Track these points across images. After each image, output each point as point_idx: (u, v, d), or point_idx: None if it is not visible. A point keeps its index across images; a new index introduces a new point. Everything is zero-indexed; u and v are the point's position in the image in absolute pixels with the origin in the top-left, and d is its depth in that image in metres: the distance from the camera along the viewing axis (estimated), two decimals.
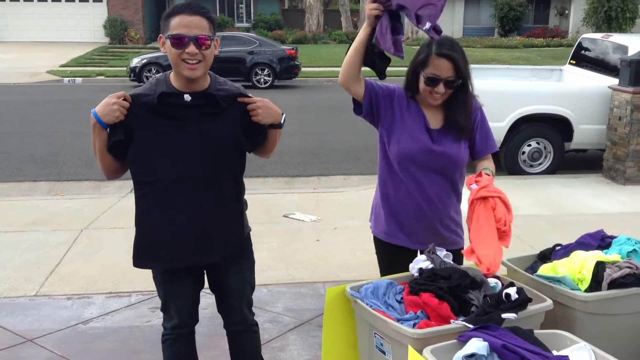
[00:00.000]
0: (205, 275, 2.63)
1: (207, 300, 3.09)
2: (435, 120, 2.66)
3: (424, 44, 2.63)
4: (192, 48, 2.23)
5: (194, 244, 2.40)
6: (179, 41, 2.23)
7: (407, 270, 2.52)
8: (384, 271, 2.81)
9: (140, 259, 2.46)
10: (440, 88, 2.53)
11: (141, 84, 18.02)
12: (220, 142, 2.36)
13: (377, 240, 2.85)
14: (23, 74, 19.07)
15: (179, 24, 2.23)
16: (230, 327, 2.71)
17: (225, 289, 2.59)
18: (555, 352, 1.87)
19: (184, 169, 2.33)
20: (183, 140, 2.32)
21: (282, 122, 2.46)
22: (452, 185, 2.73)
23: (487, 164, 2.73)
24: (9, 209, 6.03)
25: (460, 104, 2.62)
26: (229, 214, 2.46)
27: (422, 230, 2.70)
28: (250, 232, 2.65)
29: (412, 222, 2.69)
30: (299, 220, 5.67)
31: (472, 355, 1.74)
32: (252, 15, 34.09)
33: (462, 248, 2.64)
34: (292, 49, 17.90)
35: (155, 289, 2.59)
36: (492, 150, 2.77)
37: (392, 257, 2.79)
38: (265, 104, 2.40)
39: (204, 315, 3.27)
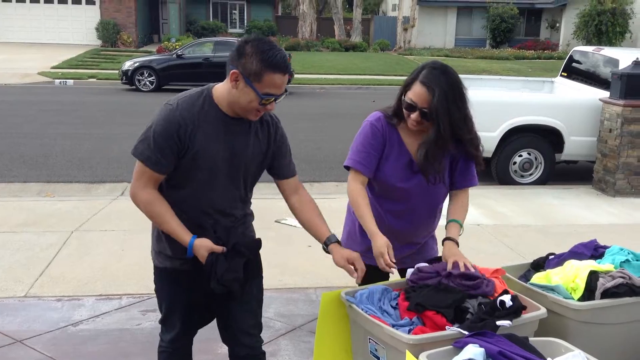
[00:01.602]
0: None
1: None
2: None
3: (419, 65, 2.52)
4: (272, 106, 2.20)
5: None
6: (268, 101, 2.15)
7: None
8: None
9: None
10: (416, 116, 2.42)
11: (133, 87, 17.93)
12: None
13: None
14: (14, 75, 18.97)
15: (274, 83, 2.12)
16: (233, 350, 2.51)
17: (231, 303, 2.41)
18: None
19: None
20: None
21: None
22: (435, 212, 2.71)
23: (457, 212, 2.60)
24: None
25: (432, 140, 2.44)
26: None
27: (400, 247, 2.65)
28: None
29: (392, 241, 2.52)
30: (291, 226, 5.66)
31: None
32: (245, 21, 34.15)
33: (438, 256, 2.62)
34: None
35: (156, 297, 2.49)
36: (471, 185, 2.65)
37: (370, 276, 2.60)
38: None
39: None
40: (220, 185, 2.29)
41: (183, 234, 2.23)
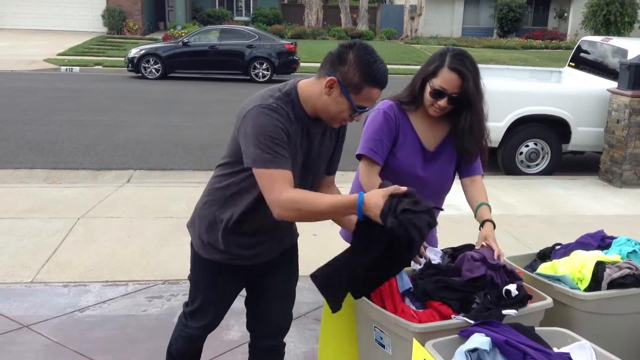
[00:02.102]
0: (248, 285, 2.47)
1: None
2: (430, 139, 2.58)
3: (437, 53, 2.50)
4: (360, 117, 2.12)
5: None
6: (357, 111, 2.07)
7: None
8: None
9: None
10: (444, 102, 2.43)
11: (138, 74, 17.92)
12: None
13: None
14: (20, 62, 18.98)
15: (370, 97, 2.04)
16: (260, 341, 2.49)
17: (268, 291, 2.42)
18: (556, 350, 1.88)
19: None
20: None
21: None
22: (440, 201, 2.71)
23: (482, 196, 2.62)
24: (5, 196, 6.00)
25: (467, 129, 2.49)
26: None
27: None
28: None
29: None
30: None
31: (475, 350, 1.75)
32: (251, 9, 34.01)
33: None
34: (291, 43, 17.89)
35: (192, 287, 2.41)
36: (480, 172, 2.68)
37: None
38: None
39: None
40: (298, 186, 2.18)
41: (345, 198, 1.99)
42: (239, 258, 2.30)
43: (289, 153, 2.03)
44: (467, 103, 2.45)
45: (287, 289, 2.48)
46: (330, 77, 2.01)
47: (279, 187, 1.97)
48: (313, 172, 2.25)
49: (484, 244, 2.43)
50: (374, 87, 2.02)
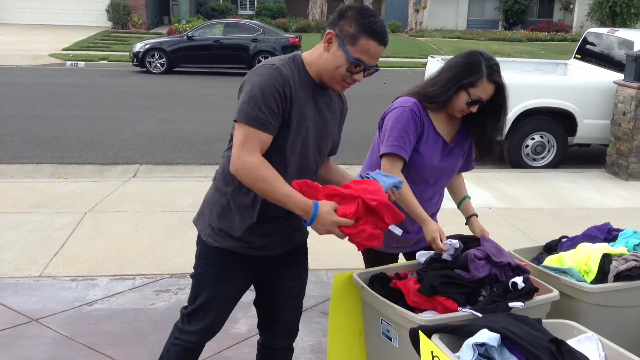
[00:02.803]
0: (257, 282, 2.41)
1: None
2: (448, 133, 2.65)
3: (472, 61, 2.51)
4: (360, 77, 2.09)
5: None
6: (357, 68, 2.05)
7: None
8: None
9: None
10: (474, 108, 2.51)
11: (143, 69, 17.92)
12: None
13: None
14: (25, 57, 19.02)
15: (368, 50, 2.03)
16: (272, 342, 2.46)
17: (282, 292, 2.39)
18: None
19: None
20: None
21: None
22: (443, 193, 2.83)
23: (464, 189, 2.83)
24: (12, 191, 6.04)
25: (497, 127, 2.62)
26: None
27: (418, 229, 2.66)
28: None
29: (408, 223, 2.62)
30: None
31: (482, 344, 1.76)
32: (255, 3, 33.94)
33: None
34: (296, 37, 17.86)
35: (195, 282, 2.31)
36: (470, 169, 2.84)
37: (376, 259, 2.75)
38: None
39: None
40: (311, 158, 2.20)
41: (300, 198, 1.99)
42: (252, 247, 2.21)
43: (277, 118, 2.02)
44: (495, 110, 2.55)
45: (300, 291, 2.45)
46: (328, 31, 2.06)
47: (251, 147, 1.98)
48: (320, 147, 2.22)
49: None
50: (371, 39, 2.02)
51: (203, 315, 2.27)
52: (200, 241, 2.29)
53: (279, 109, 2.02)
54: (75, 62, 18.78)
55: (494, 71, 2.48)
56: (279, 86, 2.01)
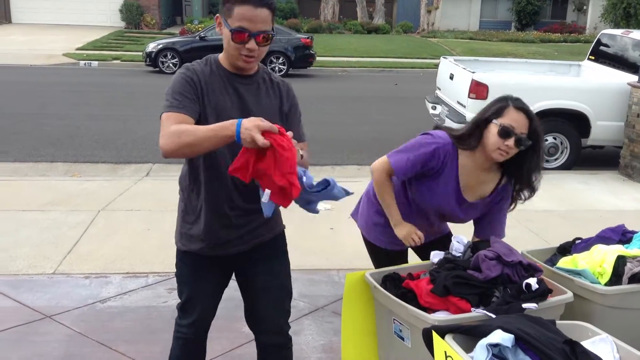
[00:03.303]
0: (237, 278, 2.49)
1: None
2: (472, 193, 2.60)
3: (497, 99, 2.53)
4: (252, 44, 2.11)
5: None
6: (240, 36, 2.10)
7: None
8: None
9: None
10: (511, 142, 2.41)
11: (156, 69, 17.96)
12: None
13: (371, 245, 2.90)
14: (39, 56, 19.17)
15: (243, 16, 2.08)
16: (261, 339, 2.49)
17: (256, 289, 2.42)
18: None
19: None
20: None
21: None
22: None
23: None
24: (27, 189, 6.09)
25: (533, 167, 2.54)
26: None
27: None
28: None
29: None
30: None
31: (496, 345, 1.75)
32: None
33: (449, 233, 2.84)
34: (307, 37, 17.86)
35: (177, 282, 2.45)
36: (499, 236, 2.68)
37: (384, 258, 2.82)
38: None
39: None
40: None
41: (224, 123, 1.97)
42: (216, 246, 2.30)
43: (192, 101, 2.11)
44: (536, 142, 2.46)
45: (274, 285, 2.40)
46: (216, 16, 2.19)
47: (168, 124, 2.06)
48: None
49: None
50: (244, 4, 2.07)
51: (191, 309, 2.41)
52: (176, 250, 2.43)
53: (192, 94, 2.13)
54: (89, 61, 18.90)
55: (518, 101, 2.46)
56: (186, 77, 2.15)
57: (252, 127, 1.88)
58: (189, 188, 2.30)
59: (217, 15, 2.18)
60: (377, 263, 2.83)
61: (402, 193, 2.68)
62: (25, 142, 8.33)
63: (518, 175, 2.57)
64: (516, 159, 2.49)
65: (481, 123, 2.48)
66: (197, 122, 2.10)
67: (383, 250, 2.82)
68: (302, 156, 2.11)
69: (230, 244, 2.32)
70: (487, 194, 2.62)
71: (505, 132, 2.40)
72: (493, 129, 2.43)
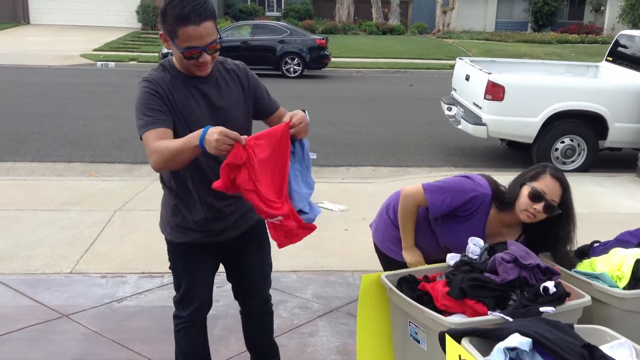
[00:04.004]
0: (224, 262, 2.65)
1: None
2: (491, 240, 2.63)
3: (537, 164, 2.65)
4: (205, 57, 2.19)
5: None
6: (193, 54, 2.16)
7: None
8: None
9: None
10: (540, 207, 2.49)
11: None
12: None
13: (383, 254, 2.99)
14: (57, 57, 19.36)
15: (190, 36, 2.11)
16: (250, 309, 2.74)
17: (247, 268, 2.62)
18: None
19: None
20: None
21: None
22: None
23: None
24: (44, 188, 6.15)
25: (565, 237, 2.62)
26: None
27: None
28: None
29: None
30: (327, 209, 5.68)
31: (514, 348, 1.74)
32: (282, 4, 34.09)
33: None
34: (322, 38, 17.88)
35: (173, 275, 2.59)
36: None
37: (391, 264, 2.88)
38: (305, 121, 2.21)
39: None
40: None
41: (193, 134, 2.06)
42: (210, 234, 2.44)
43: (164, 113, 2.20)
44: (566, 212, 2.55)
45: (260, 264, 2.64)
46: (160, 33, 2.23)
47: (151, 144, 2.14)
48: (234, 125, 2.20)
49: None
50: (186, 26, 2.10)
51: (191, 298, 2.54)
52: (166, 241, 2.54)
53: (161, 106, 2.20)
54: (106, 62, 19.07)
55: (556, 170, 2.56)
56: (150, 90, 2.21)
57: (218, 133, 1.96)
58: (176, 185, 2.39)
59: (161, 33, 2.22)
60: (385, 266, 2.94)
61: (424, 222, 2.75)
62: (43, 142, 8.42)
63: (545, 242, 2.65)
64: (544, 225, 2.57)
65: (518, 184, 2.58)
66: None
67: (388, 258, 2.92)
68: (292, 124, 2.16)
69: (227, 230, 2.47)
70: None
71: (535, 196, 2.49)
72: (525, 191, 2.52)
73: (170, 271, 2.60)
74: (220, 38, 2.22)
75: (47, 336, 3.44)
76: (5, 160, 7.59)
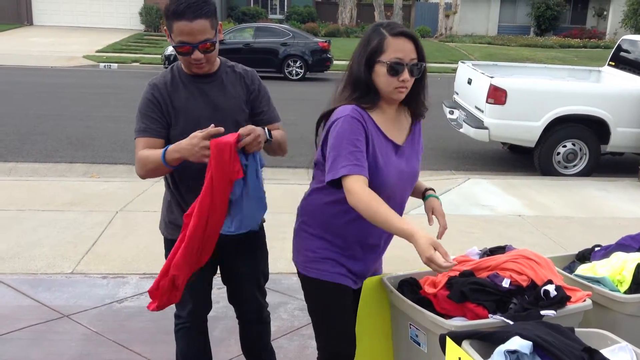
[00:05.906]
0: (219, 265, 2.64)
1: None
2: (398, 135, 2.26)
3: (368, 31, 2.18)
4: (197, 55, 2.24)
5: None
6: (183, 49, 2.23)
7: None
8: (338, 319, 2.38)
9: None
10: (406, 75, 2.09)
11: None
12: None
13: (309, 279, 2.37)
14: (60, 58, 19.41)
15: (182, 31, 2.19)
16: (244, 316, 2.73)
17: (238, 275, 2.62)
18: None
19: None
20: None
21: (268, 137, 2.30)
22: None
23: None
24: (46, 189, 6.16)
25: (420, 95, 2.26)
26: None
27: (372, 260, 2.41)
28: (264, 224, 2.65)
29: (357, 249, 2.32)
30: None
31: (514, 351, 1.74)
32: (285, 7, 34.13)
33: None
34: (325, 41, 17.90)
35: None
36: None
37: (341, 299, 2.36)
38: (255, 135, 2.18)
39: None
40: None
41: (158, 152, 2.22)
42: None
43: (157, 121, 2.30)
44: (423, 61, 2.16)
45: (254, 272, 2.63)
46: (164, 28, 2.30)
47: (137, 152, 2.29)
48: (233, 126, 2.24)
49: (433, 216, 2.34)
50: (179, 20, 2.18)
51: (186, 301, 2.54)
52: (163, 238, 2.59)
53: (157, 113, 2.30)
54: (109, 64, 19.10)
55: (393, 26, 2.11)
56: (150, 95, 2.31)
57: (184, 142, 2.12)
58: (172, 180, 2.44)
59: (165, 28, 2.30)
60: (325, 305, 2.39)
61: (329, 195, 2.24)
62: (45, 143, 8.44)
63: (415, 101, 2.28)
64: (414, 85, 2.20)
65: (365, 70, 2.13)
66: (169, 131, 2.32)
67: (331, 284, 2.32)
68: (269, 140, 2.29)
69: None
70: (409, 127, 2.34)
71: (394, 69, 2.08)
72: (380, 70, 2.10)
73: None
74: (222, 40, 2.26)
75: (48, 336, 3.44)
76: (8, 160, 7.60)
